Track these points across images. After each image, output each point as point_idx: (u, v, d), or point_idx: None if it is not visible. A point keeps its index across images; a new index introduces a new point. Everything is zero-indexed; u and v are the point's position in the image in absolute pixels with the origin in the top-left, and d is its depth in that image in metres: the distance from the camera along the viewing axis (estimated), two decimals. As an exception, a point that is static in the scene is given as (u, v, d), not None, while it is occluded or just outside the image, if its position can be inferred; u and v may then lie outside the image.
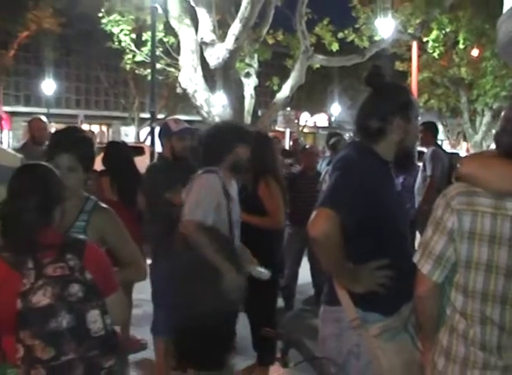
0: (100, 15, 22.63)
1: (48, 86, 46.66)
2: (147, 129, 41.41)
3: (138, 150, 25.69)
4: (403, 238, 3.97)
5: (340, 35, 22.81)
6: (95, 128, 50.27)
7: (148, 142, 28.73)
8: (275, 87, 22.96)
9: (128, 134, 50.34)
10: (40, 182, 3.40)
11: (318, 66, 22.08)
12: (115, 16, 22.46)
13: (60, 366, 3.03)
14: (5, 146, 7.85)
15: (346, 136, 13.45)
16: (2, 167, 6.02)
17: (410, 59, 28.34)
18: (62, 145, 4.21)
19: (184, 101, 33.20)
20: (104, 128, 56.42)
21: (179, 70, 17.80)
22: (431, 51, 26.34)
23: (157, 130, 16.18)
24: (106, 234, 4.17)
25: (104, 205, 4.33)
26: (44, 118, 9.86)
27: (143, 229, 7.38)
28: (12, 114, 48.62)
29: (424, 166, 10.33)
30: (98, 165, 6.60)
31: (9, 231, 3.30)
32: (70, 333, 3.06)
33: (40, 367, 3.03)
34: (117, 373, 3.25)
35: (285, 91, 19.32)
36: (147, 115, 43.22)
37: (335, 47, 22.29)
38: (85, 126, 44.42)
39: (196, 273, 5.07)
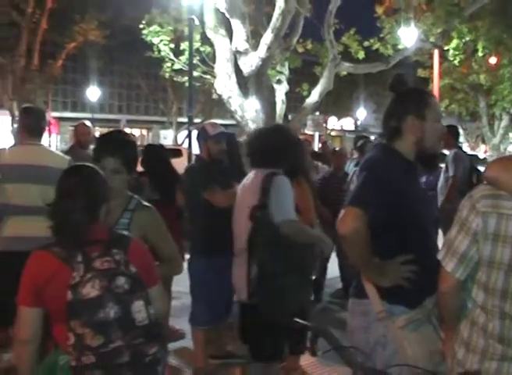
0: (141, 26, 22.74)
1: (93, 93, 46.96)
2: (185, 132, 41.66)
3: (176, 152, 25.73)
4: (428, 235, 3.94)
5: (366, 44, 22.75)
6: (136, 132, 50.54)
7: (186, 145, 28.83)
8: (305, 93, 22.95)
9: (166, 137, 50.51)
10: (87, 183, 3.42)
11: (345, 73, 22.02)
12: (155, 28, 22.57)
13: (108, 353, 3.06)
14: (53, 149, 7.92)
15: (372, 138, 13.38)
16: (52, 168, 6.08)
17: (431, 67, 28.17)
18: (108, 149, 4.23)
19: (219, 106, 33.30)
20: (144, 132, 56.70)
21: (214, 77, 17.84)
22: (451, 59, 26.26)
23: (194, 133, 16.27)
24: (148, 231, 4.19)
25: (146, 204, 4.34)
26: (88, 123, 9.88)
27: (182, 226, 7.39)
28: (60, 119, 49.08)
29: (446, 167, 10.27)
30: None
31: (59, 229, 3.33)
32: (117, 322, 3.08)
33: (90, 354, 3.05)
34: (160, 359, 3.26)
35: (314, 96, 19.28)
36: (184, 119, 43.46)
37: (361, 55, 22.26)
38: (127, 130, 44.56)
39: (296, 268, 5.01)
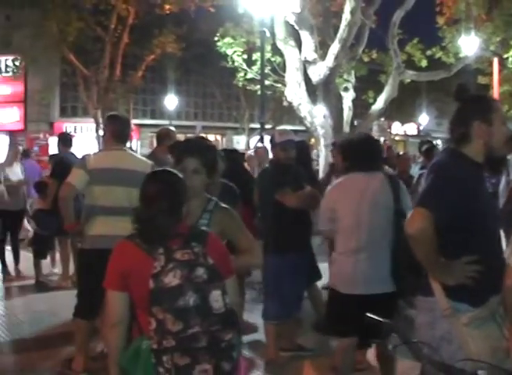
0: (215, 39, 22.92)
1: (171, 101, 47.38)
2: (257, 138, 41.81)
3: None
4: (493, 236, 3.90)
5: (428, 53, 22.61)
6: (211, 137, 50.60)
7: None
8: (371, 100, 22.84)
9: (239, 142, 50.62)
10: (170, 187, 3.47)
11: (408, 80, 21.84)
12: (228, 40, 22.77)
13: (187, 338, 3.11)
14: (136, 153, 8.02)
15: (435, 143, 13.24)
16: (137, 172, 6.17)
17: (491, 74, 27.68)
18: (189, 150, 4.27)
19: (289, 112, 33.27)
20: (218, 137, 56.87)
21: (285, 86, 17.90)
22: (510, 66, 25.74)
23: (266, 138, 16.31)
24: (226, 228, 4.23)
25: (224, 205, 4.37)
26: (172, 128, 9.93)
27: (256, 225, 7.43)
28: (140, 126, 49.61)
29: (507, 170, 10.08)
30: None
31: (146, 232, 3.39)
32: (196, 309, 3.13)
33: (171, 338, 3.11)
34: (235, 346, 3.29)
35: (379, 103, 19.19)
36: (256, 125, 43.53)
37: (424, 63, 22.12)
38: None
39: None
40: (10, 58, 39.63)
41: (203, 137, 4.83)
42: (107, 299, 3.51)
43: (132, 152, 6.72)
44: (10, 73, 41.50)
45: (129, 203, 6.15)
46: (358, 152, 5.55)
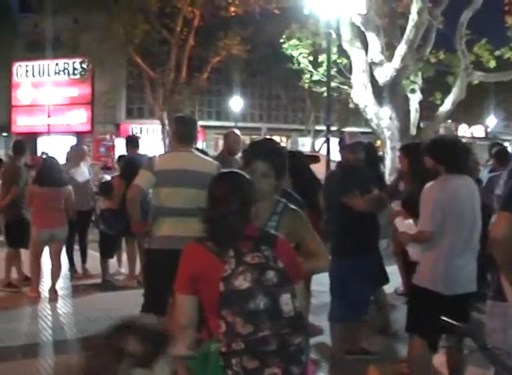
0: (281, 41, 22.95)
1: (236, 103, 47.63)
2: (322, 139, 41.71)
3: (314, 158, 25.74)
4: None
5: (497, 53, 22.19)
6: (276, 139, 50.84)
7: (323, 151, 28.76)
8: (438, 102, 22.57)
9: (305, 144, 50.59)
10: (238, 188, 3.48)
11: (476, 81, 21.52)
12: (294, 42, 22.77)
13: (257, 341, 3.10)
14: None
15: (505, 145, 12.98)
16: (203, 173, 6.22)
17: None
18: (258, 153, 4.26)
19: (354, 114, 33.13)
20: (283, 139, 57.01)
21: (351, 88, 17.81)
22: None
23: (332, 140, 16.27)
24: (294, 231, 4.19)
25: (293, 207, 4.36)
26: (237, 132, 9.98)
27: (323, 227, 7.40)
28: (206, 127, 49.96)
29: None
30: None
31: (216, 232, 3.41)
32: (266, 313, 3.11)
33: (240, 341, 3.11)
34: (304, 349, 3.26)
35: (447, 105, 18.97)
36: (321, 127, 43.47)
37: (492, 64, 21.74)
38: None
39: None
40: (78, 60, 40.41)
41: (272, 140, 4.81)
42: (176, 302, 3.54)
43: (198, 154, 6.75)
44: (77, 76, 42.27)
45: (197, 204, 6.20)
46: (457, 155, 5.61)
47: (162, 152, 6.82)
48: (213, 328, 3.31)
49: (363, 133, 8.96)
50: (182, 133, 6.70)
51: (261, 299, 3.11)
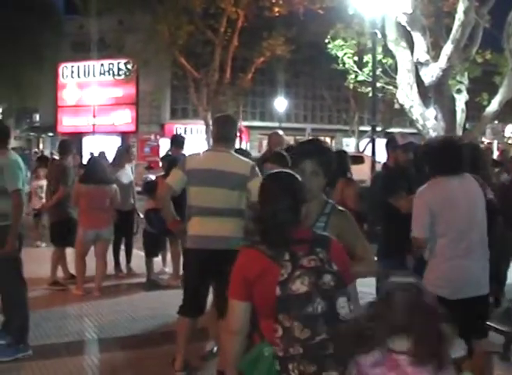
0: (326, 41, 22.92)
1: (280, 103, 47.66)
2: (366, 140, 41.56)
3: (358, 159, 25.73)
4: None
5: (546, 52, 21.84)
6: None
7: (367, 152, 28.62)
8: (485, 102, 22.32)
9: (349, 145, 50.47)
10: (288, 187, 3.51)
11: (524, 81, 21.22)
12: (339, 42, 22.72)
13: (314, 345, 3.10)
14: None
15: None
16: (235, 174, 6.28)
17: None
18: (306, 153, 4.29)
19: (398, 115, 32.94)
20: (327, 139, 56.95)
21: (396, 88, 17.72)
22: None
23: (378, 141, 16.22)
24: (342, 232, 4.14)
25: (340, 208, 4.36)
26: (281, 132, 9.99)
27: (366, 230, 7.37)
28: (250, 128, 50.11)
29: None
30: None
31: (268, 230, 3.44)
32: (323, 317, 3.11)
33: (298, 345, 3.11)
34: None
35: (494, 105, 18.73)
36: (365, 128, 43.31)
37: (540, 63, 21.40)
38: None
39: None
40: (122, 61, 40.81)
41: (319, 139, 4.82)
42: (230, 307, 3.54)
43: (234, 154, 6.70)
44: (122, 76, 42.65)
45: (227, 205, 6.26)
46: (442, 156, 5.54)
47: (196, 152, 6.78)
48: (265, 332, 3.33)
49: (407, 134, 8.92)
50: (219, 134, 6.71)
51: (319, 303, 3.11)
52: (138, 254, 11.94)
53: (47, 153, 35.22)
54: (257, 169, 6.47)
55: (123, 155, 12.09)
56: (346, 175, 7.96)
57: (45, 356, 7.27)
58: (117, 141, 38.85)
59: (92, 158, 11.32)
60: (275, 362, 3.22)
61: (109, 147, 16.43)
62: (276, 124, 41.85)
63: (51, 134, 56.92)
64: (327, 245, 3.38)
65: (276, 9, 28.84)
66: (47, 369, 6.91)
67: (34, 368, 6.92)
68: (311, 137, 11.09)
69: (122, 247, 11.83)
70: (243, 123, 46.30)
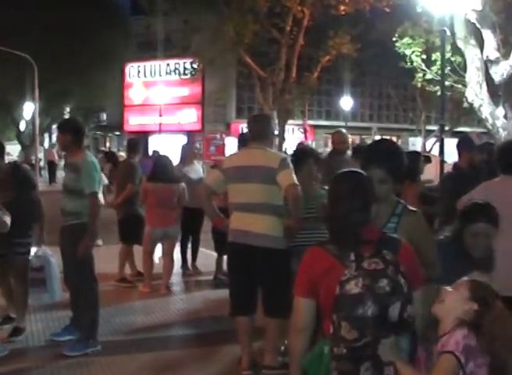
0: (393, 39, 22.75)
1: (346, 102, 47.41)
2: (432, 139, 41.08)
3: (425, 159, 25.40)
4: None
5: None
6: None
7: (434, 151, 28.26)
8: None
9: (415, 144, 50.03)
10: (359, 186, 3.52)
11: None
12: (407, 40, 22.52)
13: (359, 348, 3.09)
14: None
15: None
16: (265, 168, 6.36)
17: None
18: (374, 160, 4.24)
19: (466, 114, 32.51)
20: (394, 139, 56.55)
21: (465, 86, 17.49)
22: None
23: (448, 141, 16.01)
24: (413, 233, 4.05)
25: (412, 208, 4.31)
26: (344, 131, 10.01)
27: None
28: (315, 127, 50.05)
29: None
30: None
31: (337, 229, 3.46)
32: (373, 320, 3.08)
33: (343, 346, 3.12)
34: (401, 351, 3.22)
35: None
36: (432, 127, 42.87)
37: None
38: (377, 138, 44.64)
39: None
40: (188, 61, 41.08)
41: (388, 142, 4.78)
42: (295, 305, 3.56)
43: (268, 150, 6.71)
44: (188, 76, 42.96)
45: (260, 199, 6.38)
46: (506, 155, 5.62)
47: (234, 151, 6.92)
48: (327, 330, 3.34)
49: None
50: (254, 132, 6.82)
51: (370, 306, 3.08)
52: (204, 252, 12.03)
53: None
54: (288, 161, 6.51)
55: (189, 151, 12.16)
56: (415, 179, 7.84)
57: (114, 352, 7.39)
58: (183, 140, 39.21)
59: (159, 157, 11.44)
60: (331, 360, 3.23)
61: (175, 146, 16.55)
62: (342, 123, 41.69)
63: (117, 133, 57.80)
64: (396, 247, 3.37)
65: (342, 8, 28.74)
66: (115, 365, 7.02)
67: (103, 363, 7.04)
68: (379, 137, 11.03)
69: (189, 245, 11.90)
70: (308, 122, 46.29)
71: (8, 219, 6.78)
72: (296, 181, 6.33)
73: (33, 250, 7.94)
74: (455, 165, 7.26)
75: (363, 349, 3.10)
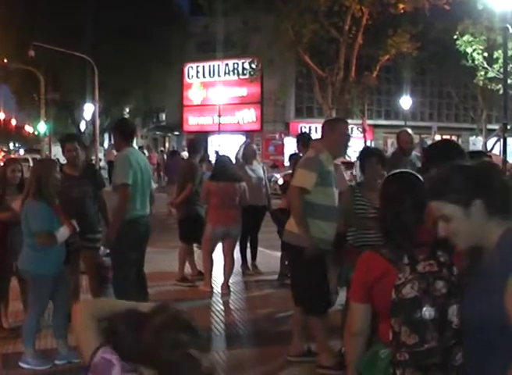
0: (454, 37, 22.52)
1: (405, 101, 46.98)
2: (494, 139, 40.48)
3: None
4: None
5: None
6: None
7: (495, 151, 27.85)
8: None
9: (476, 144, 49.33)
10: (411, 187, 3.56)
11: None
12: (467, 38, 22.26)
13: (421, 353, 3.03)
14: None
15: None
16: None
17: None
18: (434, 160, 4.24)
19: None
20: (454, 138, 55.88)
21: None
22: None
23: (510, 140, 15.76)
24: None
25: None
26: (410, 131, 9.91)
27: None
28: (375, 126, 49.74)
29: None
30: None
31: (391, 231, 3.48)
32: (433, 323, 3.03)
33: (405, 351, 3.06)
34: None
35: None
36: (493, 126, 42.18)
37: None
38: (437, 137, 44.21)
39: None
40: (247, 60, 41.21)
41: (451, 143, 4.74)
42: (351, 309, 3.60)
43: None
44: (247, 76, 43.12)
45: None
46: None
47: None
48: (383, 334, 3.34)
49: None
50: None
51: (427, 309, 3.04)
52: (264, 252, 12.03)
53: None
54: (306, 161, 6.70)
55: (248, 151, 12.18)
56: None
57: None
58: (242, 140, 39.37)
59: (220, 157, 11.49)
60: (390, 366, 3.22)
61: (234, 145, 16.65)
62: (401, 122, 41.32)
63: (176, 133, 58.22)
64: (450, 248, 3.23)
65: (401, 6, 28.56)
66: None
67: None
68: (439, 137, 10.88)
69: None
70: (367, 122, 46.02)
71: (64, 230, 6.80)
72: (295, 182, 6.65)
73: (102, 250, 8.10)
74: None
75: (428, 355, 3.03)
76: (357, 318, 3.55)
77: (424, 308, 3.03)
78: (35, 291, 6.80)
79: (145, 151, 23.78)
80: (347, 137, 6.89)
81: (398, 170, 3.84)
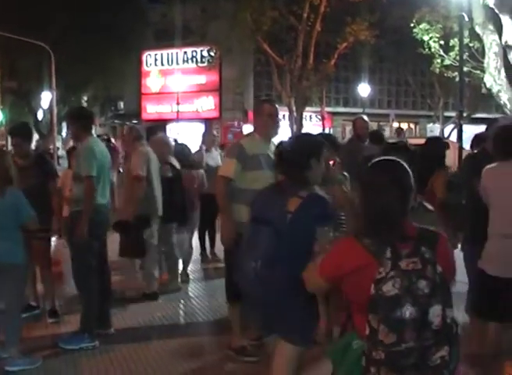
0: (411, 25, 22.68)
1: (364, 89, 47.26)
2: (451, 126, 40.87)
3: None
4: None
5: None
6: (404, 125, 50.16)
7: (452, 138, 28.16)
8: None
9: (433, 131, 49.80)
10: (396, 176, 3.32)
11: None
12: (424, 26, 22.43)
13: (399, 353, 2.98)
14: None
15: None
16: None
17: None
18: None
19: (484, 100, 32.27)
20: (412, 125, 56.36)
21: (483, 72, 17.40)
22: None
23: (466, 127, 15.95)
24: None
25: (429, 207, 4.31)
26: (366, 118, 9.99)
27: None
28: (333, 114, 49.94)
29: None
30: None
31: (375, 220, 3.27)
32: (413, 323, 2.97)
33: (381, 350, 3.01)
34: (449, 363, 3.08)
35: None
36: (450, 113, 42.61)
37: None
38: (395, 124, 44.59)
39: None
40: (205, 48, 41.10)
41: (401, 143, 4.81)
42: (311, 278, 3.63)
43: None
44: (205, 63, 43.01)
45: None
46: (503, 142, 5.70)
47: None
48: (357, 325, 3.28)
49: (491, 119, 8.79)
50: None
51: (408, 308, 2.97)
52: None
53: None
54: (227, 149, 7.06)
55: (208, 139, 12.19)
56: (442, 166, 7.75)
57: (127, 340, 7.43)
58: (201, 128, 39.20)
59: (178, 145, 11.45)
60: (362, 358, 3.15)
61: (193, 133, 16.60)
62: (360, 110, 41.51)
63: (135, 121, 57.81)
64: (434, 243, 3.23)
65: (359, -7, 28.69)
66: (135, 354, 7.05)
67: (117, 351, 7.09)
68: (397, 124, 10.97)
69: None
70: (326, 109, 46.20)
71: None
72: (219, 171, 6.72)
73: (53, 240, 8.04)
74: (482, 149, 7.13)
75: (404, 356, 2.99)
76: (313, 287, 3.71)
77: (405, 308, 2.97)
78: (15, 283, 6.55)
79: (112, 140, 23.59)
80: (275, 118, 6.78)
81: (382, 158, 3.50)
